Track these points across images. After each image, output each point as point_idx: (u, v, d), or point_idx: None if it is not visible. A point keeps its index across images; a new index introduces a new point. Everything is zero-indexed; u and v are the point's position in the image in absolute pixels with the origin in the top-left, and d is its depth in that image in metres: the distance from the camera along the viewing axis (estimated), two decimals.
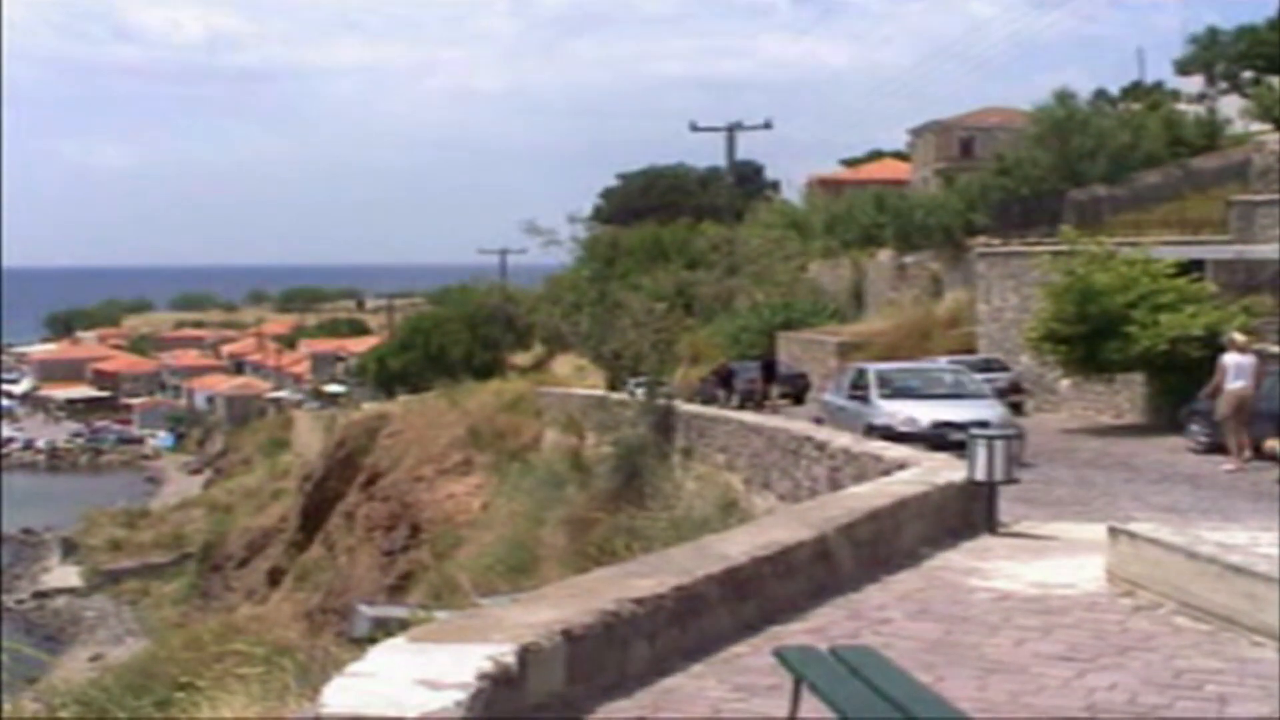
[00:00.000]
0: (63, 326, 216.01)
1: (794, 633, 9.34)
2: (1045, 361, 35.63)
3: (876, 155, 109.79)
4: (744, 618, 9.43)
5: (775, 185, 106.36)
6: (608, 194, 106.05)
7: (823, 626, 9.64)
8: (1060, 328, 32.34)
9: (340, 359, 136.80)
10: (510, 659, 6.65)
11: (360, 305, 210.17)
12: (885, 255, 64.16)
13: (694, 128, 62.19)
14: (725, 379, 46.39)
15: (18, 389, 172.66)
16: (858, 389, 28.15)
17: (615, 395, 39.61)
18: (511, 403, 52.32)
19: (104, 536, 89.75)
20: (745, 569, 9.54)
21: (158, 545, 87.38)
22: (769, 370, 47.04)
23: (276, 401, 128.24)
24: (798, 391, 46.42)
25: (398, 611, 20.01)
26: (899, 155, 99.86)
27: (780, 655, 7.24)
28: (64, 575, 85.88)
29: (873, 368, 29.79)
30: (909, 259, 60.83)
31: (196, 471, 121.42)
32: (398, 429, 57.90)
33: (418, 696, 5.87)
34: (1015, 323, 40.94)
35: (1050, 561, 12.57)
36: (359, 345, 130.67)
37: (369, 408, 74.57)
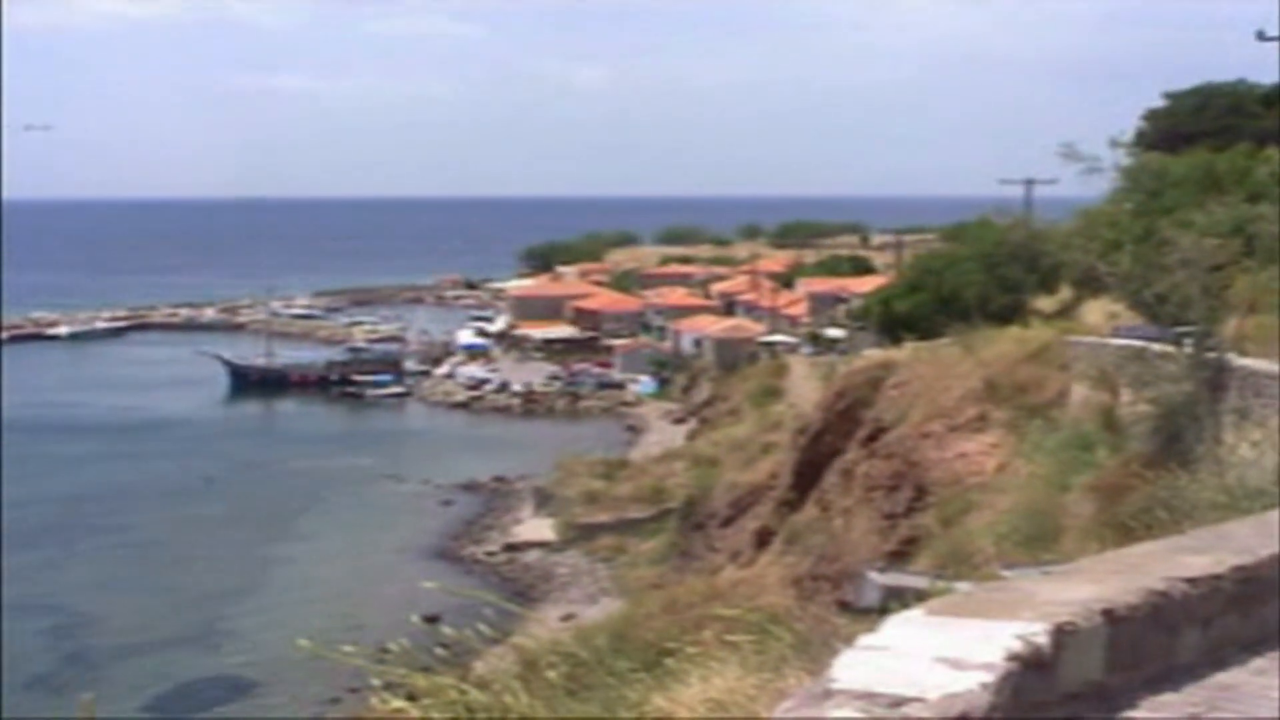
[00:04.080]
0: (541, 261, 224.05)
1: None
2: None
3: None
4: None
5: None
6: (1152, 116, 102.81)
7: None
8: None
9: (841, 300, 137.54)
10: (1043, 640, 6.40)
11: (864, 241, 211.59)
12: None
13: (1260, 37, 59.59)
14: None
15: (493, 327, 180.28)
16: None
17: (1157, 346, 38.44)
18: (1035, 352, 51.42)
19: (580, 488, 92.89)
20: None
21: (636, 499, 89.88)
22: None
23: (770, 346, 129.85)
24: None
25: (912, 581, 19.98)
26: None
27: None
28: (537, 528, 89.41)
29: None
30: None
31: (680, 420, 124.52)
32: (904, 379, 57.72)
33: (938, 676, 5.71)
34: None
35: None
36: (862, 285, 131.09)
37: (872, 355, 74.72)
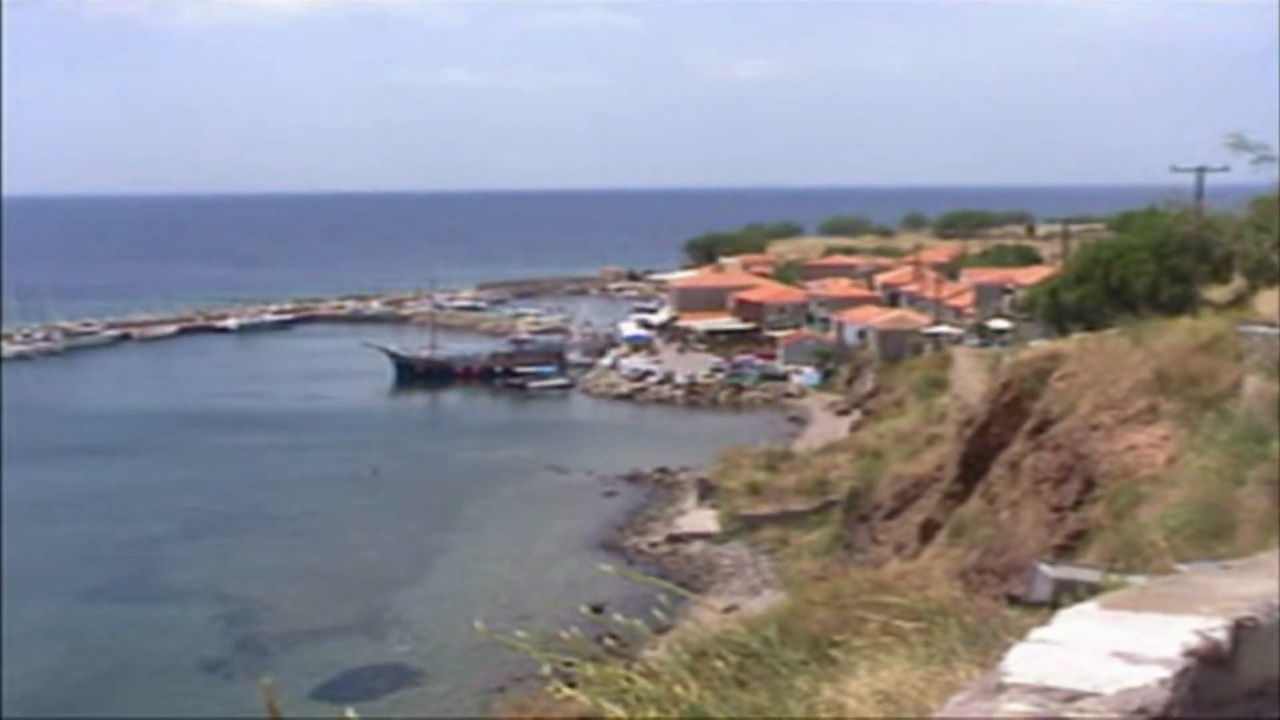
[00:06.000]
0: (704, 253, 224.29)
1: None
2: None
3: None
4: None
5: None
6: None
7: None
8: None
9: (1007, 291, 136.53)
10: (1221, 635, 6.27)
11: (1030, 231, 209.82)
12: None
13: None
14: None
15: (656, 319, 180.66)
16: None
17: None
18: (1207, 343, 50.60)
19: (743, 479, 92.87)
20: None
21: (799, 491, 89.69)
22: None
23: (934, 337, 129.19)
24: None
25: (1085, 574, 19.78)
26: None
27: None
28: (700, 519, 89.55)
29: None
30: None
31: (844, 412, 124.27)
32: (1072, 370, 57.04)
33: (1113, 670, 5.61)
34: None
35: None
36: (1028, 276, 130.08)
37: (1038, 346, 74.02)
